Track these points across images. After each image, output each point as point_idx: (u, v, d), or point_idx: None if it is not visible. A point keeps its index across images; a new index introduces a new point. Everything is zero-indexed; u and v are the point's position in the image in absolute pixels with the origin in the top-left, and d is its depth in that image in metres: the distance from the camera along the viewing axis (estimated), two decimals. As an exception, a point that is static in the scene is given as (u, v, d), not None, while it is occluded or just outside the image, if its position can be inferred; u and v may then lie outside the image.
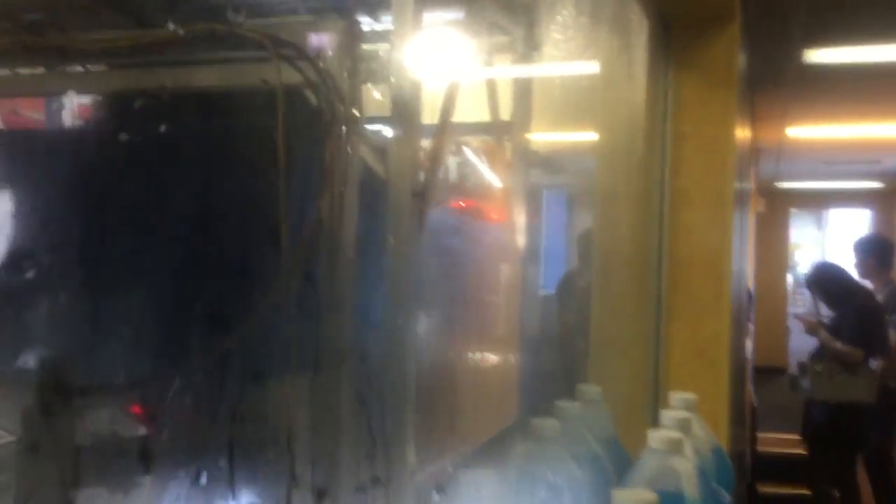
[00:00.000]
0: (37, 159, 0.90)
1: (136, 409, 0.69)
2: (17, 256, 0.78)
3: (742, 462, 3.51)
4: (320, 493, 0.90)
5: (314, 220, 1.04)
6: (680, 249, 1.58)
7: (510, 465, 1.06)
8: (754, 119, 4.15)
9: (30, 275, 0.75)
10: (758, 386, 5.52)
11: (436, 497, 0.97)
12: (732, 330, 1.70)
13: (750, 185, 4.43)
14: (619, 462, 1.19)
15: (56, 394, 0.75)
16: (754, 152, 5.12)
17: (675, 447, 0.97)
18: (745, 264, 3.38)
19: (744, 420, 3.83)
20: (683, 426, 1.07)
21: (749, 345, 4.53)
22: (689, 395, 1.24)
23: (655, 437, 0.98)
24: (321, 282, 1.04)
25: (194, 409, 0.92)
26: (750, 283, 5.27)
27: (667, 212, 1.60)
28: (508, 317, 1.81)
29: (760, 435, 4.72)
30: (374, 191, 1.14)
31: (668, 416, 1.10)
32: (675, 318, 1.59)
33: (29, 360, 0.76)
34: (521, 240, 1.82)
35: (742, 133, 2.27)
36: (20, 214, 0.87)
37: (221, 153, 1.04)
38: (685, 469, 0.95)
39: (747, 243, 3.88)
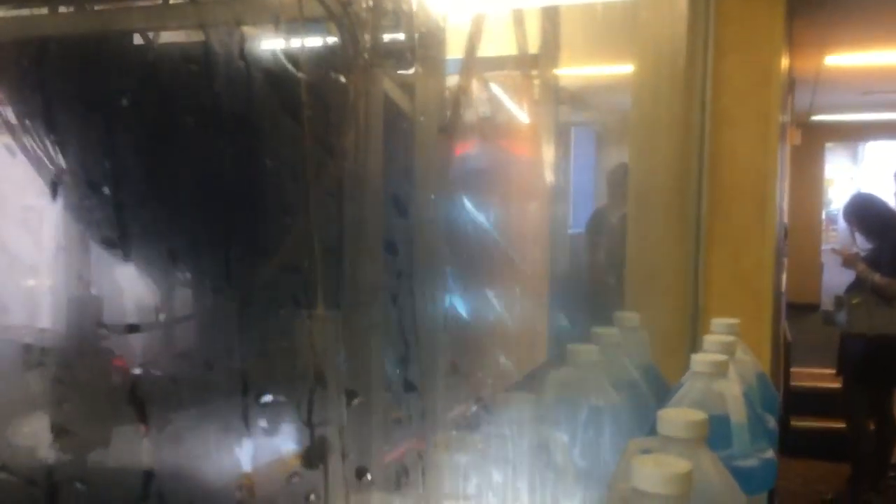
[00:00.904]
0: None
1: (120, 361, 0.66)
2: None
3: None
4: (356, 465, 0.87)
5: (340, 155, 1.01)
6: (722, 173, 1.52)
7: (549, 391, 1.03)
8: (792, 47, 4.01)
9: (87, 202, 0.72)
10: (790, 321, 5.46)
11: (466, 431, 0.94)
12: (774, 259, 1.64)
13: (787, 116, 4.30)
14: (657, 389, 1.15)
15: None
16: (791, 83, 4.96)
17: (719, 370, 0.92)
18: (783, 197, 3.30)
19: (779, 356, 3.78)
20: (728, 350, 1.03)
21: (784, 280, 4.45)
22: (732, 320, 1.20)
23: (699, 361, 0.94)
24: (348, 219, 1.01)
25: (225, 343, 0.90)
26: (785, 217, 5.17)
27: (708, 134, 1.53)
28: (537, 256, 1.77)
29: (794, 370, 4.68)
30: (400, 126, 1.10)
31: (711, 340, 1.06)
32: (716, 246, 1.53)
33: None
34: (549, 177, 1.77)
35: (786, 56, 2.17)
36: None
37: (245, 89, 1.00)
38: (731, 392, 0.91)
39: (786, 177, 3.78)
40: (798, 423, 4.38)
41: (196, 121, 0.88)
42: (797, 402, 4.38)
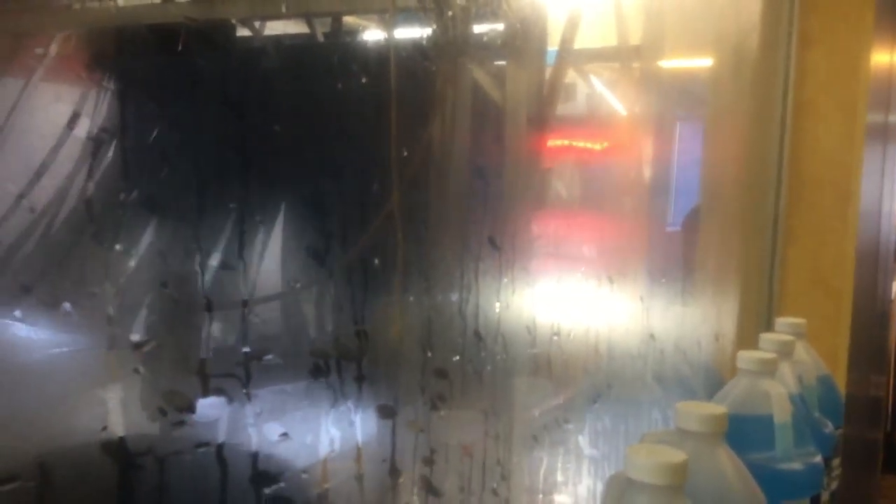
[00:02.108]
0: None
1: None
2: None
3: (879, 410, 3.30)
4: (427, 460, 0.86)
5: (425, 144, 1.01)
6: (803, 166, 1.45)
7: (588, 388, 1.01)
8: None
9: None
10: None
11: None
12: (859, 260, 1.55)
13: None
14: (713, 389, 1.11)
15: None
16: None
17: (766, 368, 0.88)
18: (894, 199, 3.12)
19: (885, 367, 3.58)
20: (783, 349, 0.98)
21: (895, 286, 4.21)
22: (796, 320, 1.14)
23: (745, 358, 0.90)
24: (431, 208, 1.01)
25: (305, 323, 0.91)
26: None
27: (790, 127, 1.46)
28: (633, 253, 1.72)
29: (905, 383, 4.42)
30: (489, 117, 1.10)
31: (766, 338, 1.02)
32: (793, 242, 1.46)
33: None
34: (648, 173, 1.73)
35: (891, 51, 2.05)
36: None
37: (334, 77, 1.02)
38: (776, 392, 0.87)
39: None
40: (906, 439, 4.13)
41: (295, 108, 0.89)
42: (907, 416, 4.13)
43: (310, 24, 1.00)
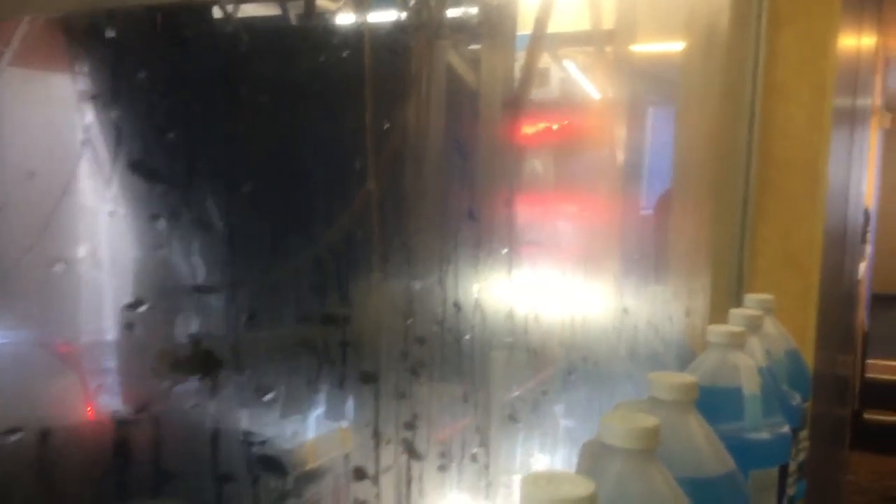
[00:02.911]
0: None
1: (63, 348, 0.66)
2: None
3: (847, 388, 3.36)
4: (409, 424, 0.88)
5: (399, 127, 1.02)
6: (773, 148, 1.48)
7: (562, 361, 1.03)
8: (881, 24, 3.84)
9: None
10: (874, 312, 5.26)
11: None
12: (827, 241, 1.58)
13: (871, 100, 4.12)
14: (684, 362, 1.14)
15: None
16: (882, 63, 4.75)
17: (735, 341, 0.91)
18: (862, 184, 3.17)
19: (851, 346, 3.65)
20: (751, 323, 1.01)
21: (863, 268, 4.29)
22: (765, 296, 1.17)
23: (714, 332, 0.92)
24: (406, 190, 1.01)
25: (284, 310, 0.92)
26: (870, 203, 4.97)
27: (759, 108, 1.49)
28: (606, 237, 1.74)
29: (871, 362, 4.52)
30: (464, 100, 1.10)
31: (735, 313, 1.04)
32: (763, 222, 1.49)
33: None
34: (621, 157, 1.74)
35: (857, 36, 2.09)
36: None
37: (307, 59, 1.02)
38: (745, 364, 0.89)
39: (865, 162, 3.63)
40: (872, 416, 4.23)
41: (269, 91, 0.90)
42: (872, 394, 4.23)
43: (283, 7, 1.00)
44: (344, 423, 0.78)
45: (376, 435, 0.77)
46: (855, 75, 2.11)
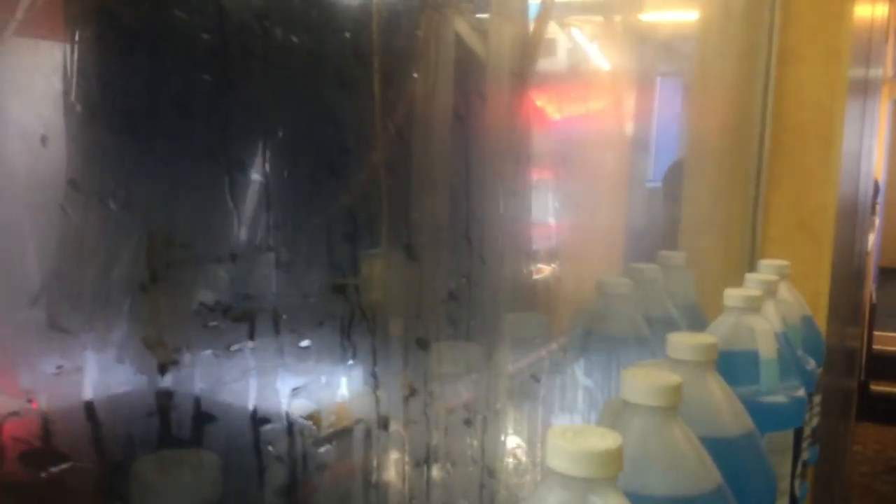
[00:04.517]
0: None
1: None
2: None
3: (854, 359, 3.36)
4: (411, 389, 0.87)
5: (408, 97, 1.00)
6: (786, 112, 1.46)
7: (578, 324, 1.03)
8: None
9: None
10: (881, 285, 5.25)
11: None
12: (840, 209, 1.57)
13: (883, 70, 4.07)
14: (697, 327, 1.13)
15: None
16: (893, 33, 4.69)
17: (752, 305, 0.90)
18: (873, 154, 3.15)
19: (860, 318, 3.64)
20: (767, 288, 1.00)
21: (872, 239, 4.27)
22: (780, 262, 1.16)
23: (731, 295, 0.91)
24: (415, 159, 1.00)
25: (291, 279, 0.91)
26: (879, 175, 4.94)
27: (773, 71, 1.47)
28: (613, 208, 1.73)
29: (878, 333, 4.51)
30: (472, 70, 1.09)
31: (751, 278, 1.03)
32: (776, 188, 1.48)
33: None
34: (629, 128, 1.73)
35: (871, 4, 2.05)
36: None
37: (315, 30, 1.01)
38: (762, 328, 0.88)
39: (875, 132, 3.60)
40: (878, 387, 4.23)
41: (277, 62, 0.89)
42: (879, 366, 4.23)
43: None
44: (376, 373, 0.78)
45: (405, 387, 0.77)
46: (868, 44, 2.08)
